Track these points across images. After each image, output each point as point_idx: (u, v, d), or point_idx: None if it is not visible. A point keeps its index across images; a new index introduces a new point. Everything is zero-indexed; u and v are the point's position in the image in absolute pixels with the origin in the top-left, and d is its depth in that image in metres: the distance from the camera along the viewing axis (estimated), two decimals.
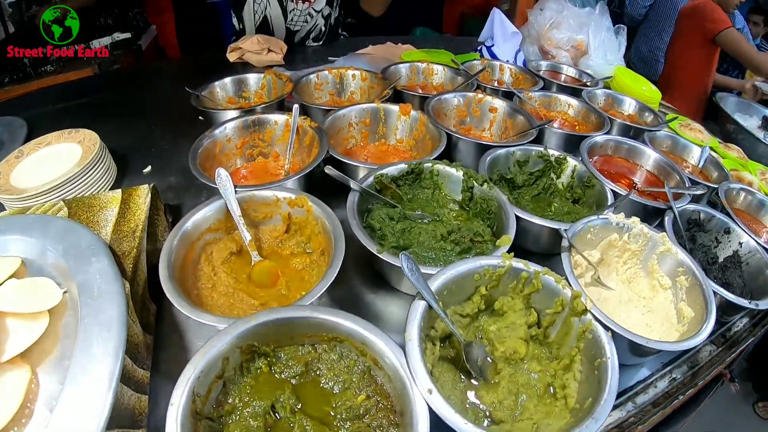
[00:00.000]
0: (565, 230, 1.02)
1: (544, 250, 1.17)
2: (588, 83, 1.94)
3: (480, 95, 1.54)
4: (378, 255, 0.92)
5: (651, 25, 3.27)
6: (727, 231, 1.29)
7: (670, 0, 3.10)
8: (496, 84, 1.87)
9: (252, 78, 1.65)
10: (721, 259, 1.28)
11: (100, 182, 1.27)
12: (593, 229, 1.10)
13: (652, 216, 1.27)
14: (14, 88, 2.22)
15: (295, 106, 1.32)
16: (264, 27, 2.20)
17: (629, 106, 1.85)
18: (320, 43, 2.38)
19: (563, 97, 1.70)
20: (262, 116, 1.35)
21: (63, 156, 1.29)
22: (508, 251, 0.96)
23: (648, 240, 1.11)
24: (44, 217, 0.94)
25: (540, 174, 1.35)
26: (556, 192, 1.34)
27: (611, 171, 1.44)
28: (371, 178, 1.13)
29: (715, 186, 1.42)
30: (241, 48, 1.97)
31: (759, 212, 1.48)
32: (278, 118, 1.36)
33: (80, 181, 1.21)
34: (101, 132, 1.33)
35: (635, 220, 1.12)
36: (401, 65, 1.75)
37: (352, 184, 1.07)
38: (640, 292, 1.11)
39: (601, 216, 1.10)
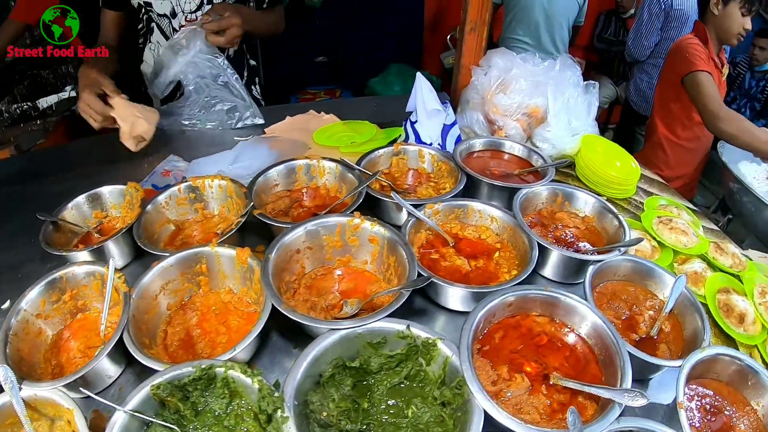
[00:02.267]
0: None
1: None
2: (539, 168, 1.52)
3: (356, 221, 1.19)
4: None
5: (651, 61, 2.74)
6: None
7: (674, 35, 2.59)
8: (410, 182, 1.49)
9: (107, 192, 1.39)
10: None
11: None
12: None
13: None
14: None
15: (111, 261, 1.06)
16: None
17: (585, 205, 1.41)
18: None
19: (481, 207, 1.30)
20: (77, 270, 1.11)
21: None
22: None
23: None
24: None
25: (403, 357, 1.00)
26: (426, 382, 0.99)
27: (511, 349, 1.04)
28: (147, 388, 0.85)
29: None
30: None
31: (744, 384, 1.05)
32: (96, 270, 1.11)
33: None
34: None
35: None
36: (275, 170, 1.39)
37: (118, 408, 0.82)
38: None
39: None
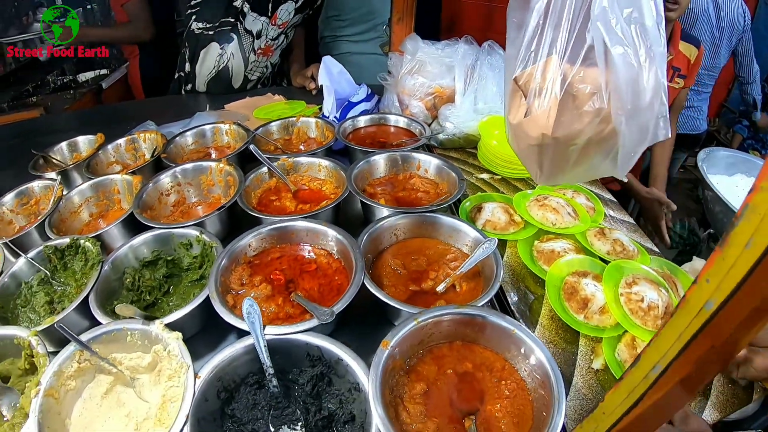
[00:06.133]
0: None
1: None
2: (421, 139, 1.59)
3: (221, 165, 1.47)
4: None
5: None
6: (357, 388, 0.92)
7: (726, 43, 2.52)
8: (302, 147, 1.71)
9: (81, 141, 1.87)
10: (356, 422, 0.93)
11: None
12: (134, 333, 1.03)
13: None
14: None
15: (57, 178, 1.51)
16: (224, 74, 2.33)
17: (434, 169, 1.45)
18: (267, 88, 2.53)
19: (326, 163, 1.47)
20: (40, 183, 1.58)
21: None
22: None
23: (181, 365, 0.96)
24: None
25: (203, 260, 1.24)
26: None
27: (277, 267, 1.19)
28: (42, 247, 1.26)
29: None
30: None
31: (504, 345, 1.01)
32: (50, 184, 1.56)
33: None
34: (4, 171, 1.80)
35: (174, 336, 1.00)
36: (193, 131, 1.75)
37: (21, 254, 1.23)
38: (158, 416, 0.97)
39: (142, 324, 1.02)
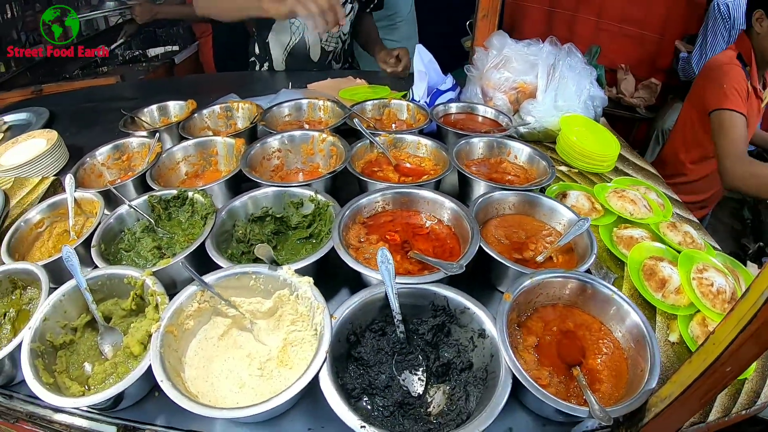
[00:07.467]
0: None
1: None
2: (506, 129, 1.72)
3: (324, 135, 1.59)
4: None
5: None
6: (482, 335, 1.03)
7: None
8: (393, 126, 1.84)
9: (171, 105, 1.97)
10: (475, 368, 1.03)
11: (50, 166, 1.74)
12: (259, 277, 1.11)
13: None
14: (49, 86, 2.67)
15: (156, 136, 1.62)
16: (301, 47, 2.45)
17: (526, 157, 1.58)
18: (340, 64, 2.65)
19: (426, 141, 1.59)
20: (135, 140, 1.68)
21: (35, 146, 1.78)
22: None
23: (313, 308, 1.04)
24: None
25: (312, 219, 1.35)
26: (323, 240, 1.32)
27: (390, 228, 1.32)
28: (146, 197, 1.36)
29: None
30: None
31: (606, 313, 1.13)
32: (146, 141, 1.67)
33: (35, 164, 1.70)
34: (82, 130, 1.93)
35: (306, 280, 1.07)
36: (287, 104, 1.88)
37: (125, 201, 1.34)
38: (279, 358, 1.06)
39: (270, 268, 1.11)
